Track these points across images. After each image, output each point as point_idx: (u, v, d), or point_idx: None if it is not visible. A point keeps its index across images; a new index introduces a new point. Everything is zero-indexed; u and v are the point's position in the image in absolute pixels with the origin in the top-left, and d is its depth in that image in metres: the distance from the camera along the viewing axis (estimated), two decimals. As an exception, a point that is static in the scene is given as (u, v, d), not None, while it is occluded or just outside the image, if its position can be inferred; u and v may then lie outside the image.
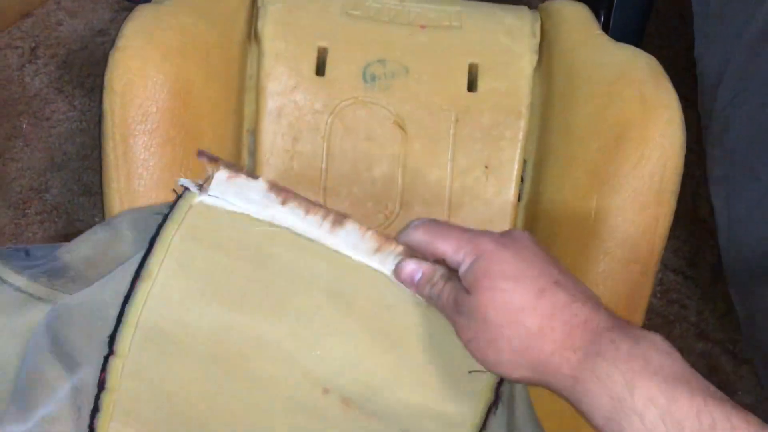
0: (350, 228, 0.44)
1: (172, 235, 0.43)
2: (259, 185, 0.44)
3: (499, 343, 0.39)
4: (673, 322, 0.80)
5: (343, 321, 0.43)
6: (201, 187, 0.44)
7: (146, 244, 0.43)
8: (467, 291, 0.40)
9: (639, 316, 0.61)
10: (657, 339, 0.38)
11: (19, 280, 0.49)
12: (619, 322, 0.39)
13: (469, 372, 0.43)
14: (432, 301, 0.43)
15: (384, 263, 0.44)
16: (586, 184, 0.61)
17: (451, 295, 0.41)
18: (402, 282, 0.44)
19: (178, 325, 0.42)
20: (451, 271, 0.42)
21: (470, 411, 0.44)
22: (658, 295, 0.81)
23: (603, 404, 0.36)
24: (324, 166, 0.66)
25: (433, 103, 0.67)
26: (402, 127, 0.66)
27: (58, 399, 0.45)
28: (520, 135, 0.67)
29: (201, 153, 0.44)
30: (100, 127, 0.56)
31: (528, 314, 0.38)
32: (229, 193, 0.44)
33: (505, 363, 0.39)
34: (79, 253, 0.51)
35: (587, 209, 0.61)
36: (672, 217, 0.61)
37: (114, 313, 0.43)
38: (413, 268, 0.43)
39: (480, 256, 0.40)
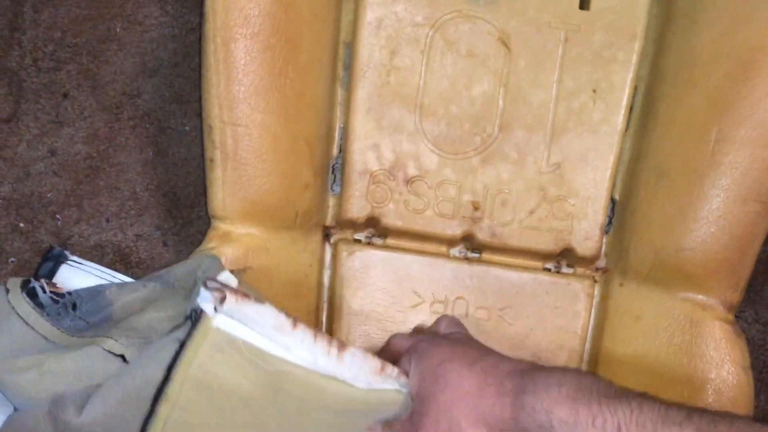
0: (354, 352, 0.47)
1: (190, 363, 0.45)
2: (269, 310, 0.45)
3: (456, 420, 0.45)
4: (776, 269, 0.75)
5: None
6: (220, 301, 0.44)
7: (164, 368, 0.44)
8: (414, 397, 0.48)
9: (750, 259, 0.57)
10: (568, 367, 0.47)
11: (49, 330, 0.48)
12: (539, 366, 0.45)
13: None
14: None
15: (386, 382, 0.48)
16: (705, 113, 0.57)
17: (403, 428, 0.48)
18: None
19: None
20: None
21: None
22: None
23: None
24: (422, 82, 0.63)
25: (542, 20, 0.62)
26: (506, 44, 0.62)
27: None
28: (634, 58, 0.62)
29: (207, 283, 0.45)
30: (201, 29, 0.55)
31: (466, 381, 0.45)
32: (243, 316, 0.45)
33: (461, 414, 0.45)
34: (129, 303, 0.50)
35: (705, 141, 0.56)
36: (798, 155, 0.57)
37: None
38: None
39: (419, 359, 0.48)
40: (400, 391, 0.48)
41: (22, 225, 0.68)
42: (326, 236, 0.64)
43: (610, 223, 0.64)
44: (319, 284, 0.63)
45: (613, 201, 0.64)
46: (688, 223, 0.57)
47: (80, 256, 0.68)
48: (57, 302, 0.50)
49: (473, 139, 0.63)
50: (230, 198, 0.56)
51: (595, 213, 0.63)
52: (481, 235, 0.63)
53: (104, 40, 0.72)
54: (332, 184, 0.64)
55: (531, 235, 0.63)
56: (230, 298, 0.44)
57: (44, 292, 0.50)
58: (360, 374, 0.47)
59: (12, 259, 0.68)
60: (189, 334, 0.45)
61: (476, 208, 0.63)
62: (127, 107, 0.72)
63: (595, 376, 0.43)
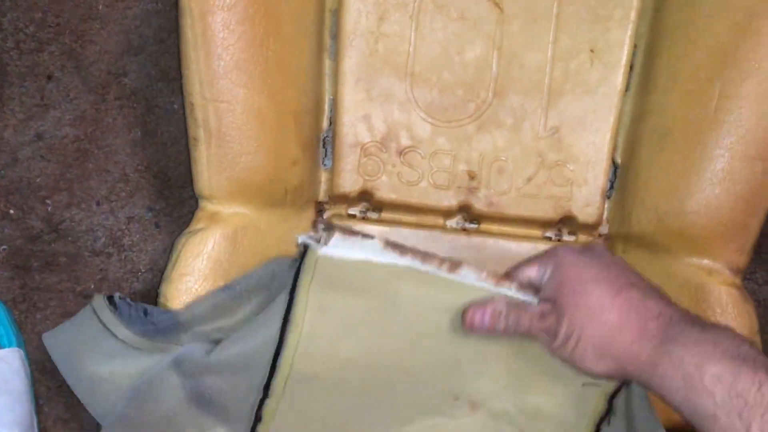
0: (466, 271, 0.48)
1: (308, 286, 0.48)
2: (374, 244, 0.48)
3: (583, 342, 0.44)
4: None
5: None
6: (319, 242, 0.49)
7: (285, 296, 0.49)
8: (547, 300, 0.45)
9: (757, 221, 0.55)
10: (723, 327, 0.42)
11: (126, 334, 0.51)
12: (689, 314, 0.43)
13: (583, 385, 0.48)
14: (511, 330, 0.47)
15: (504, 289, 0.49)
16: (708, 69, 0.54)
17: (527, 315, 0.46)
18: (476, 331, 0.47)
19: (327, 367, 0.48)
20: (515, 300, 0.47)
21: (583, 420, 0.48)
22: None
23: (678, 385, 0.39)
24: (412, 49, 0.60)
25: (535, -22, 0.59)
26: (498, 5, 0.60)
27: None
28: (632, 14, 0.60)
29: (316, 224, 0.54)
30: (177, 4, 0.53)
31: (607, 312, 0.43)
32: (347, 248, 0.48)
33: (590, 359, 0.44)
34: (197, 313, 0.52)
35: (708, 98, 0.54)
36: (806, 109, 0.54)
37: (264, 363, 0.48)
38: (473, 312, 0.47)
39: (559, 265, 0.46)
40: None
41: (12, 211, 0.67)
42: (319, 212, 0.63)
43: (611, 187, 0.62)
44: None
45: (614, 164, 0.62)
46: (692, 184, 0.55)
47: (72, 241, 0.67)
48: (131, 306, 0.52)
49: (467, 106, 0.61)
50: (216, 177, 0.55)
51: (596, 178, 0.61)
52: (478, 205, 0.62)
53: (86, 19, 0.70)
54: (323, 158, 0.62)
55: (530, 203, 0.61)
56: (338, 234, 0.48)
57: (120, 298, 0.53)
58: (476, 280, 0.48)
59: (3, 246, 0.67)
60: (298, 267, 0.49)
61: (472, 178, 0.61)
62: (113, 87, 0.70)
63: (749, 343, 0.40)
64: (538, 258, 0.48)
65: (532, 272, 0.48)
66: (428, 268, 0.48)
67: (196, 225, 0.55)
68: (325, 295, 0.49)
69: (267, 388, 0.48)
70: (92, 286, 0.66)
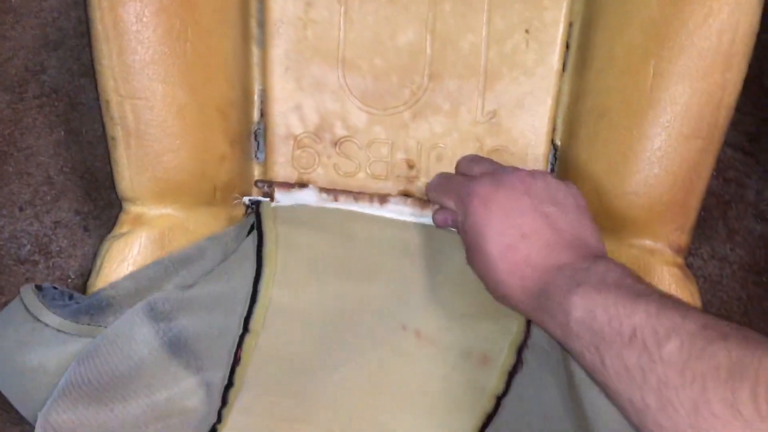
0: (394, 201, 0.58)
1: (274, 224, 0.53)
2: (311, 191, 0.57)
3: (488, 285, 0.49)
4: (729, 202, 0.73)
5: (415, 273, 0.53)
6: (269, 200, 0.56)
7: (253, 239, 0.53)
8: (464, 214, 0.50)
9: (696, 199, 0.55)
10: (610, 261, 0.44)
11: (55, 320, 0.48)
12: (581, 255, 0.45)
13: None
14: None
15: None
16: (642, 46, 0.53)
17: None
18: (440, 226, 0.55)
19: (300, 300, 0.51)
20: None
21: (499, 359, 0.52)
22: (714, 174, 0.74)
23: (556, 334, 0.43)
24: (342, 35, 0.58)
25: (466, -43, 0.58)
26: (430, -13, 0.58)
27: (181, 381, 0.47)
28: (567, -8, 0.58)
29: (257, 182, 0.58)
30: (84, -6, 0.49)
31: (495, 266, 0.47)
32: (290, 200, 0.56)
33: (497, 297, 0.49)
34: (121, 287, 0.50)
35: (643, 76, 0.53)
36: (741, 86, 0.53)
37: (242, 297, 0.50)
38: (442, 217, 0.54)
39: (468, 214, 0.49)
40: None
41: (-74, 222, 0.63)
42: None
43: (552, 170, 0.61)
44: (250, 260, 0.59)
45: (554, 147, 0.61)
46: (630, 164, 0.54)
47: (-6, 250, 0.64)
48: (56, 290, 0.50)
49: (402, 92, 0.59)
50: (138, 177, 0.52)
51: (536, 161, 0.60)
52: (419, 193, 0.60)
53: (-2, 13, 0.66)
54: (256, 151, 0.60)
55: (470, 189, 0.60)
56: (277, 188, 0.56)
57: (49, 286, 0.51)
58: (404, 212, 0.57)
59: None
60: (258, 212, 0.55)
61: (411, 167, 0.60)
62: (31, 85, 0.66)
63: (624, 270, 0.43)
64: (456, 191, 0.52)
65: (451, 205, 0.53)
66: (361, 206, 0.56)
67: (119, 229, 0.52)
68: (291, 231, 0.53)
69: (247, 322, 0.49)
70: (18, 297, 0.63)
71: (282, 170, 0.59)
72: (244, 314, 0.49)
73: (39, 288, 0.49)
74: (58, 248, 0.64)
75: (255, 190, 0.59)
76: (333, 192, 0.56)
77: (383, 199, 0.56)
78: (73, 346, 0.47)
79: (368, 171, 0.59)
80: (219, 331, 0.48)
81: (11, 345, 0.47)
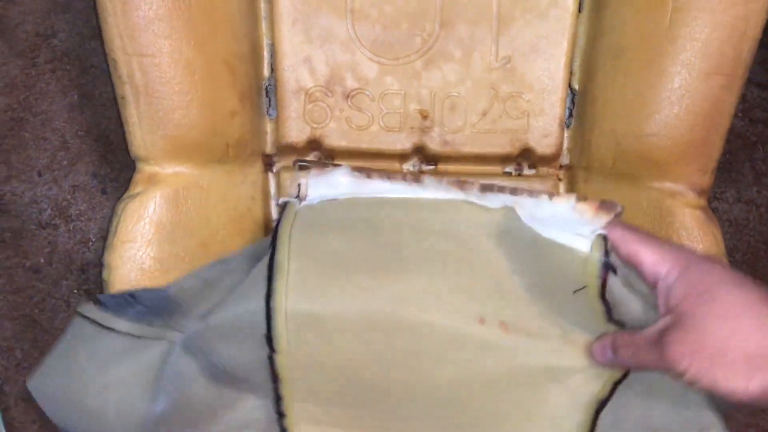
0: (428, 180, 0.47)
1: (289, 231, 0.46)
2: (344, 169, 0.48)
3: (728, 354, 0.35)
4: (755, 143, 0.71)
5: (467, 258, 0.45)
6: (298, 198, 0.48)
7: (268, 248, 0.46)
8: (672, 310, 0.37)
9: (719, 138, 0.53)
10: None
11: (125, 325, 0.49)
12: None
13: (574, 292, 0.43)
14: (631, 364, 0.41)
15: (469, 196, 0.46)
16: (661, -19, 0.51)
17: (646, 342, 0.39)
18: (601, 363, 0.43)
19: (325, 306, 0.44)
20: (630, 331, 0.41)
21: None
22: (739, 114, 0.72)
23: None
24: (349, -17, 0.57)
25: None
26: (438, -71, 0.56)
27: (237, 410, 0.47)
28: (581, -72, 0.56)
29: (297, 162, 0.54)
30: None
31: (760, 315, 0.35)
32: (323, 188, 0.48)
33: (740, 374, 0.35)
34: (186, 286, 0.49)
35: (661, 12, 0.51)
36: (766, 16, 0.51)
37: (260, 314, 0.44)
38: (601, 347, 0.42)
39: (688, 267, 0.37)
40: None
41: (-51, 190, 0.64)
42: (269, 165, 0.60)
43: (570, 116, 0.60)
44: (266, 218, 0.59)
45: (572, 91, 0.59)
46: (649, 105, 0.52)
47: (16, 215, 0.64)
48: (115, 298, 0.49)
49: (413, 41, 0.58)
50: (150, 136, 0.52)
51: (553, 107, 0.59)
52: (433, 145, 0.59)
53: (5, -22, 0.66)
54: (267, 107, 0.59)
55: (486, 138, 0.59)
56: (314, 171, 0.48)
57: (101, 296, 0.50)
58: (440, 189, 0.47)
59: (-57, 226, 0.64)
60: (279, 219, 0.47)
61: (425, 117, 0.59)
62: (42, 49, 0.66)
63: None
64: (659, 246, 0.40)
65: (647, 258, 0.40)
66: (394, 185, 0.47)
67: (134, 189, 0.53)
68: (307, 237, 0.46)
69: (270, 340, 0.44)
70: (41, 260, 0.64)
71: (294, 126, 0.58)
72: (265, 332, 0.44)
73: (98, 301, 0.49)
74: (77, 211, 0.65)
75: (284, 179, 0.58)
76: (366, 170, 0.48)
77: (417, 177, 0.47)
78: (148, 353, 0.48)
79: (381, 123, 0.58)
80: (250, 355, 0.46)
81: (85, 363, 0.48)
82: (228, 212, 0.55)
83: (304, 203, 0.48)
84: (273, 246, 0.46)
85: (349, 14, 0.57)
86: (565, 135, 0.60)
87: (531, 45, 0.58)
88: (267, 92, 0.59)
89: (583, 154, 0.58)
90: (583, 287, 0.42)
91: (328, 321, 0.44)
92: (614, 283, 0.42)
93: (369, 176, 0.48)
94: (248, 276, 0.47)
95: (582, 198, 0.44)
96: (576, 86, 0.59)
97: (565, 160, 0.60)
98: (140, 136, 0.52)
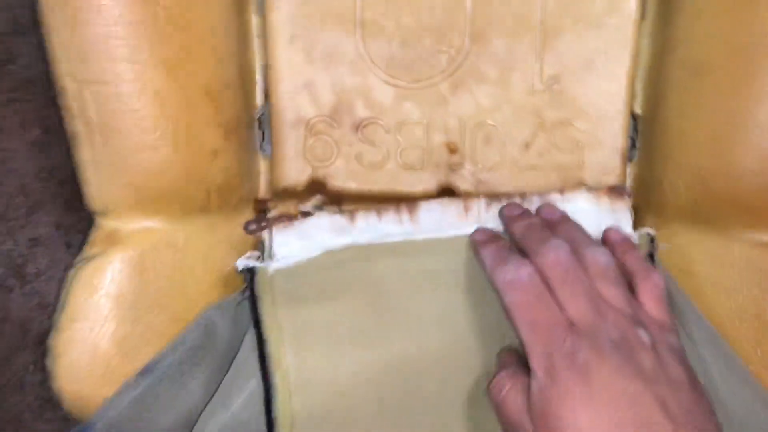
0: (426, 207, 0.43)
1: (273, 310, 0.40)
2: (322, 219, 0.42)
3: None
4: None
5: (469, 306, 0.40)
6: (262, 258, 0.42)
7: (251, 336, 0.39)
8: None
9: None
10: None
11: None
12: None
13: None
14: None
15: (473, 223, 0.43)
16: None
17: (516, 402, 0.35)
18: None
19: (332, 393, 0.38)
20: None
21: None
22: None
23: None
24: (358, -10, 0.46)
25: None
26: None
27: None
28: None
29: (248, 225, 0.44)
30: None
31: None
32: (294, 241, 0.42)
33: None
34: (112, 418, 0.39)
35: (757, 19, 0.40)
36: None
37: (258, 422, 0.38)
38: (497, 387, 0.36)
39: (552, 380, 0.33)
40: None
41: None
42: (263, 213, 0.49)
43: (633, 146, 0.48)
44: (259, 278, 0.48)
45: (634, 118, 0.48)
46: (740, 135, 0.41)
47: (-38, 275, 0.54)
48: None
49: (438, 59, 0.47)
50: (108, 184, 0.41)
51: (613, 136, 0.47)
52: (464, 185, 0.48)
53: (-44, -5, 0.56)
54: (261, 142, 0.49)
55: (530, 177, 0.48)
56: (278, 226, 0.42)
57: None
58: (442, 225, 0.42)
59: None
60: (252, 295, 0.40)
61: (453, 152, 0.48)
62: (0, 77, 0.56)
63: None
64: (545, 310, 0.35)
65: (524, 321, 0.35)
66: (388, 219, 0.42)
67: (90, 250, 0.42)
68: (297, 314, 0.40)
69: None
70: (-9, 330, 0.53)
71: (293, 165, 0.47)
72: None
73: None
74: (35, 270, 0.54)
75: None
76: (347, 212, 0.43)
77: (412, 208, 0.42)
78: None
79: (399, 160, 0.47)
80: None
81: None
82: (210, 276, 0.44)
83: (275, 266, 0.41)
84: (258, 330, 0.39)
85: (358, 28, 0.46)
86: (629, 171, 0.48)
87: (584, 61, 0.47)
88: (260, 124, 0.48)
89: (651, 195, 0.47)
90: None
91: (338, 408, 0.38)
92: None
93: (353, 219, 0.42)
94: (227, 378, 0.39)
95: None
96: (639, 111, 0.48)
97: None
98: (96, 183, 0.41)
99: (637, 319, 0.35)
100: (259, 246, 0.48)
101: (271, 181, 0.48)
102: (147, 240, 0.42)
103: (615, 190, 0.45)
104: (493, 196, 0.44)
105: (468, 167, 0.47)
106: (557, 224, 0.41)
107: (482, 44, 0.47)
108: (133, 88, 0.40)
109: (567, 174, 0.47)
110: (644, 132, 0.48)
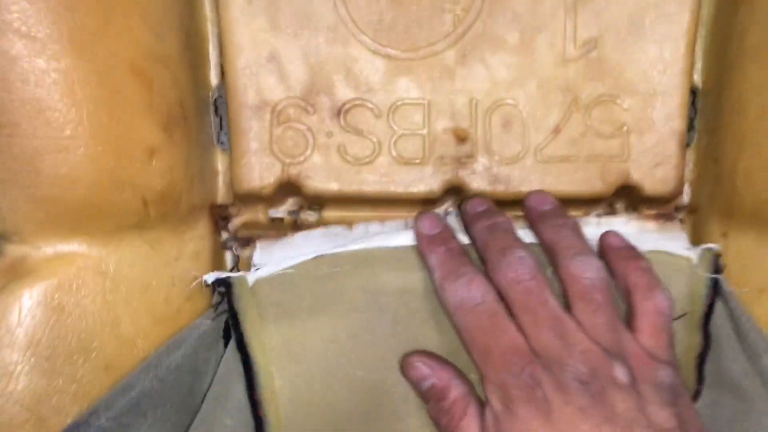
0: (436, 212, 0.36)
1: (257, 328, 0.34)
2: (309, 237, 0.36)
3: None
4: None
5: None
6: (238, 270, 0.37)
7: (235, 362, 0.33)
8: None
9: None
10: None
11: None
12: None
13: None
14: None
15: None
16: None
17: None
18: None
19: (324, 423, 0.33)
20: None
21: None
22: None
23: None
24: (336, -68, 0.35)
25: None
26: None
27: None
28: None
29: (226, 243, 0.38)
30: None
31: None
32: (278, 251, 0.36)
33: None
34: None
35: None
36: None
37: None
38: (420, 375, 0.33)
39: (510, 414, 0.29)
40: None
41: None
42: (223, 221, 0.39)
43: (692, 127, 0.38)
44: (220, 304, 0.39)
45: (694, 92, 0.37)
46: None
47: None
48: None
49: (441, 20, 0.36)
50: (9, 198, 0.31)
51: (668, 117, 0.37)
52: (476, 183, 0.38)
53: None
54: (218, 133, 0.39)
55: (560, 171, 0.37)
56: (260, 244, 0.36)
57: None
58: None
59: None
60: (231, 309, 0.34)
61: (462, 140, 0.37)
62: None
63: None
64: (508, 341, 0.30)
65: (478, 349, 0.31)
66: (390, 233, 0.35)
67: (-10, 284, 0.32)
68: (287, 332, 0.33)
69: None
70: None
71: (258, 162, 0.37)
72: None
73: None
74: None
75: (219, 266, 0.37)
76: (321, 225, 0.36)
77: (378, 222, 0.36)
78: None
79: (393, 153, 0.37)
80: None
81: None
82: (154, 309, 0.35)
83: (255, 275, 0.34)
84: (243, 354, 0.33)
85: (340, -18, 0.36)
86: (688, 161, 0.38)
87: (629, 21, 0.36)
88: (216, 109, 0.38)
89: (718, 192, 0.36)
90: (682, 315, 0.33)
91: None
92: (720, 314, 0.34)
93: (351, 228, 0.36)
94: (205, 404, 0.33)
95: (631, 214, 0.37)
96: (699, 83, 0.37)
97: (685, 200, 0.39)
98: (-7, 198, 0.31)
99: (617, 352, 0.30)
100: (223, 264, 0.39)
101: (232, 182, 0.38)
102: (65, 268, 0.32)
103: (664, 216, 0.37)
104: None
105: (481, 160, 0.37)
106: (543, 219, 0.34)
107: (495, 2, 0.36)
108: (31, 70, 0.29)
109: (608, 166, 0.37)
110: (706, 110, 0.37)
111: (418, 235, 0.34)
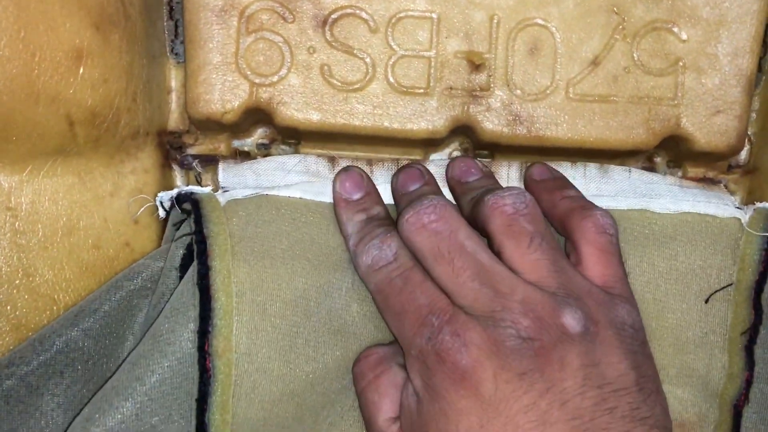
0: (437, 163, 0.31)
1: (227, 271, 0.27)
2: (283, 159, 0.30)
3: None
4: None
5: None
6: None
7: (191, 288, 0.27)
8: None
9: None
10: None
11: None
12: None
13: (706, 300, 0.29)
14: None
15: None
16: None
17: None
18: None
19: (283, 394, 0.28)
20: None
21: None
22: None
23: None
24: None
25: None
26: None
27: None
28: None
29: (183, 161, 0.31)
30: None
31: None
32: (250, 177, 0.30)
33: None
34: None
35: None
36: None
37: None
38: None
39: (431, 393, 0.24)
40: None
41: None
42: (176, 151, 0.32)
43: (760, 68, 0.31)
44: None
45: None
46: None
47: None
48: None
49: None
50: None
51: (736, 52, 0.30)
52: (491, 124, 0.30)
53: None
54: (172, 41, 0.31)
55: (595, 113, 0.30)
56: (223, 165, 0.30)
57: None
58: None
59: None
60: (199, 232, 0.27)
61: (476, 67, 0.30)
62: None
63: None
64: (433, 296, 0.25)
65: (408, 315, 0.25)
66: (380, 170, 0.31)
67: None
68: (259, 276, 0.27)
69: None
70: None
71: (221, 80, 0.30)
72: None
73: None
74: None
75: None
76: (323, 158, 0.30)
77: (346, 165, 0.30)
78: None
79: (390, 79, 0.30)
80: None
81: None
82: (79, 255, 0.28)
83: (228, 195, 0.29)
84: (204, 302, 0.26)
85: None
86: (752, 111, 0.31)
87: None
88: (171, 11, 0.30)
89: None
90: (727, 285, 0.28)
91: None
92: None
93: (333, 165, 0.30)
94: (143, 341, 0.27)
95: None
96: (775, 14, 0.30)
97: (743, 157, 0.32)
98: None
99: (565, 294, 0.24)
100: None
101: (187, 104, 0.30)
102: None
103: (707, 181, 0.32)
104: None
105: (499, 94, 0.30)
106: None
107: None
108: None
109: (655, 111, 0.30)
110: (783, 48, 0.30)
111: (336, 197, 0.28)
